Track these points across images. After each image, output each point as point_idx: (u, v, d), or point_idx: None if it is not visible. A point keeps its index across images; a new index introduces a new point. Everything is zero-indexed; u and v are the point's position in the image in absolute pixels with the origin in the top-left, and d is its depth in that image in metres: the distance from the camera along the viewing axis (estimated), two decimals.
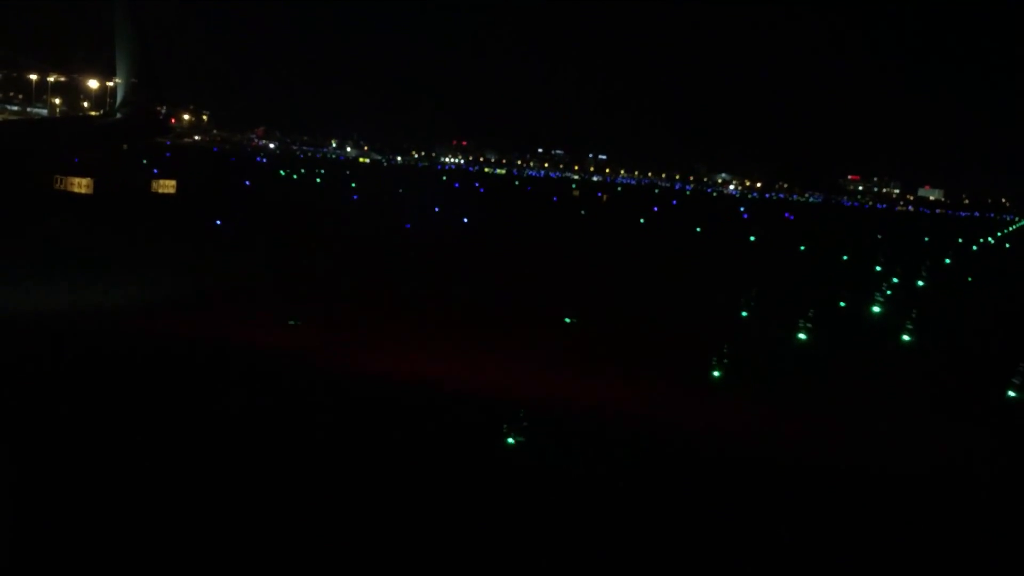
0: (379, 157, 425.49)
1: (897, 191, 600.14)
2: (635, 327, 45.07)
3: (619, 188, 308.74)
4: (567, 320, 44.55)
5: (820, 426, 29.84)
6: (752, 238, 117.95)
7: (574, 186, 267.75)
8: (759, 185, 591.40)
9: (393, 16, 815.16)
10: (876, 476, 25.15)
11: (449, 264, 63.00)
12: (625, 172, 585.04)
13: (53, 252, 50.94)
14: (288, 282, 48.44)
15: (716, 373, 35.89)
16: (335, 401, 27.24)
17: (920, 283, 77.88)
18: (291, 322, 37.66)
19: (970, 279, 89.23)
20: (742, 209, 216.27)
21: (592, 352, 38.03)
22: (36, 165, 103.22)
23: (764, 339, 44.83)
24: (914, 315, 51.65)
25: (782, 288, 63.94)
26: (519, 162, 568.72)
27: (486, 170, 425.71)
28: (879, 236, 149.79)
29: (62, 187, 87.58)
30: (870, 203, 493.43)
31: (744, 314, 51.51)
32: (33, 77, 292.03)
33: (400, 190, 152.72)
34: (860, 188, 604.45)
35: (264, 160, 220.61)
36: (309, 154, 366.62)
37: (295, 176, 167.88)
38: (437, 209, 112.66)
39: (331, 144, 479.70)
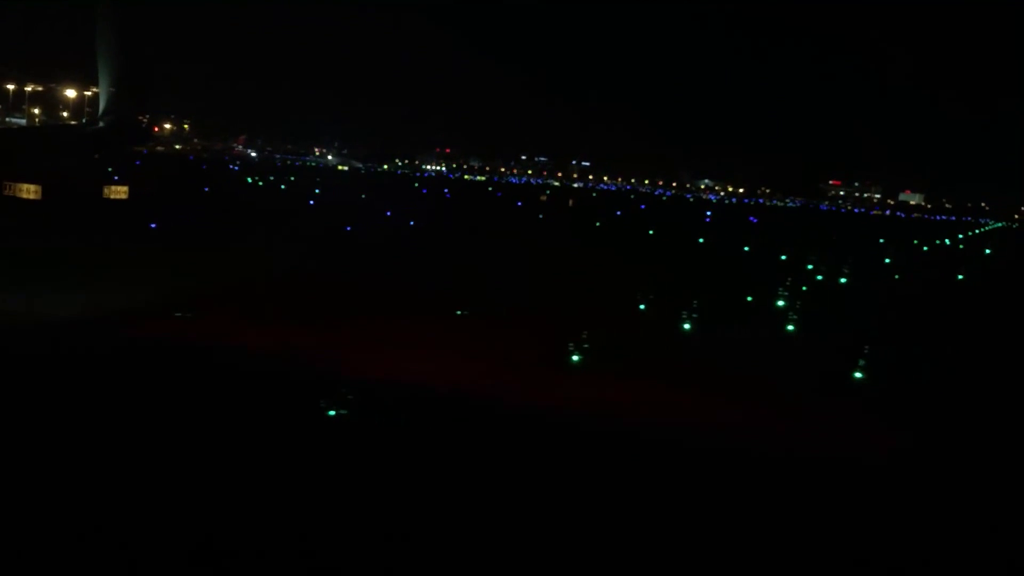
0: (359, 165, 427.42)
1: (878, 196, 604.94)
2: (525, 318, 47.03)
3: (594, 194, 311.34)
4: (458, 312, 46.81)
5: (645, 400, 32.04)
6: (700, 240, 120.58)
7: (548, 192, 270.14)
8: (741, 191, 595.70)
9: (378, 25, 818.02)
10: (670, 445, 27.19)
11: (370, 260, 65.33)
12: (608, 179, 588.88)
13: None
14: (190, 277, 50.62)
15: (575, 357, 38.25)
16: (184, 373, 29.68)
17: (842, 280, 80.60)
18: (177, 314, 39.85)
19: (896, 276, 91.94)
20: (709, 213, 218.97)
21: (459, 338, 40.22)
22: (17, 173, 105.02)
23: (640, 327, 47.38)
24: (800, 306, 54.35)
25: (702, 284, 66.44)
26: (502, 169, 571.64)
27: (466, 177, 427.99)
28: (832, 238, 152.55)
29: (10, 192, 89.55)
30: (847, 207, 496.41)
31: (642, 307, 53.81)
32: (10, 87, 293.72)
33: (362, 195, 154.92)
34: (842, 193, 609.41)
35: (236, 168, 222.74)
36: (288, 162, 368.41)
37: (260, 183, 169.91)
38: (388, 213, 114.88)
39: (314, 152, 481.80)
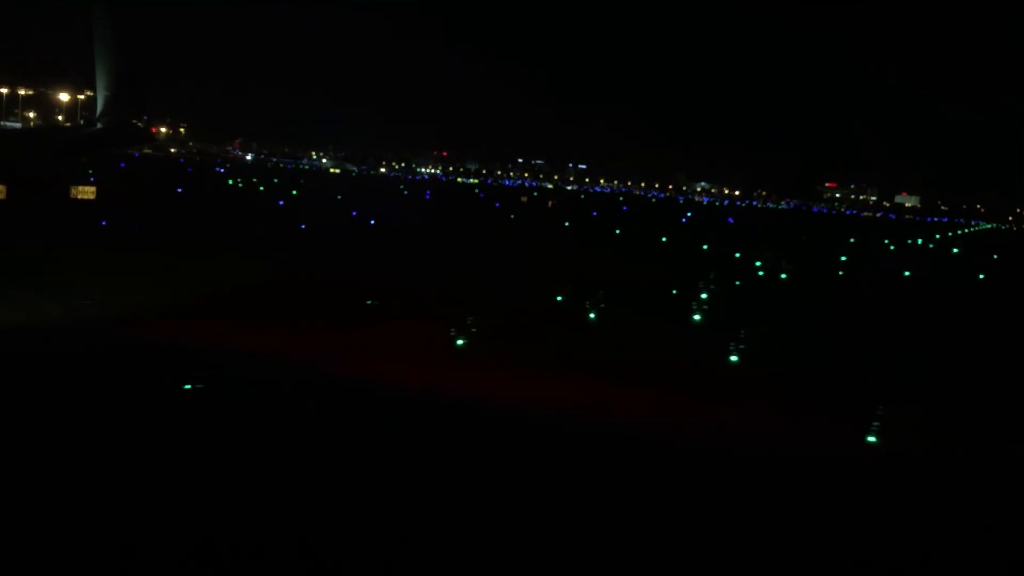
0: (353, 168, 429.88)
1: (874, 198, 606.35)
2: (437, 310, 48.42)
3: (582, 196, 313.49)
4: (368, 302, 48.98)
5: (513, 380, 34.08)
6: (663, 239, 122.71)
7: (536, 194, 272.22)
8: (737, 193, 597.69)
9: (376, 30, 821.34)
10: (529, 425, 29.00)
11: (306, 255, 67.58)
12: (605, 181, 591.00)
13: None
14: (126, 272, 52.77)
15: (460, 341, 40.39)
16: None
17: (783, 275, 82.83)
18: (87, 301, 42.05)
19: (841, 273, 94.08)
20: (689, 214, 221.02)
21: (350, 325, 42.41)
22: (17, 175, 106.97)
23: (548, 317, 49.60)
24: (714, 298, 56.61)
25: (634, 278, 68.80)
26: (499, 172, 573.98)
27: (458, 179, 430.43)
28: (803, 238, 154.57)
29: None
30: (838, 209, 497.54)
31: (559, 298, 55.90)
32: (3, 91, 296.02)
33: (337, 196, 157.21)
34: (838, 195, 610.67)
35: (222, 171, 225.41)
36: (280, 165, 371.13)
37: (240, 184, 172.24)
38: (354, 212, 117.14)
39: (311, 155, 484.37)
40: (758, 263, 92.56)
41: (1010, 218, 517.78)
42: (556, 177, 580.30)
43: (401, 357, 36.29)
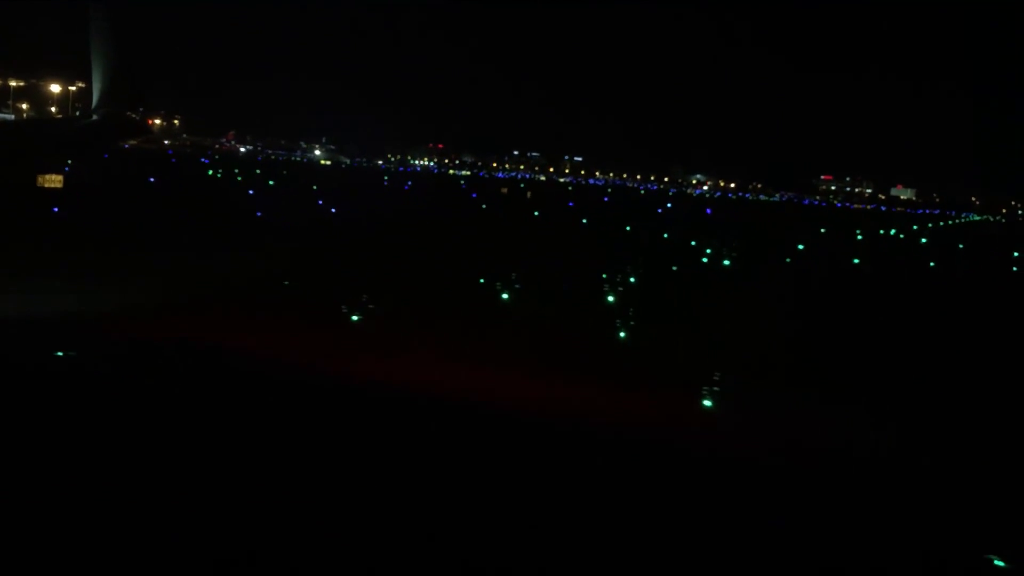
0: (347, 160, 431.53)
1: (869, 191, 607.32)
2: (352, 293, 50.31)
3: (570, 188, 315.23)
4: (285, 282, 51.21)
5: (390, 355, 36.19)
6: (628, 227, 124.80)
7: (522, 186, 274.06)
8: (732, 185, 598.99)
9: (374, 22, 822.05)
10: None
11: (246, 242, 69.70)
12: (600, 173, 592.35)
13: None
14: (61, 256, 54.87)
15: (355, 317, 42.66)
16: None
17: (726, 262, 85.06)
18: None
19: (788, 260, 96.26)
20: (668, 205, 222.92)
21: (264, 303, 44.75)
22: (14, 167, 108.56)
23: (458, 298, 51.90)
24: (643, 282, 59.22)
25: (569, 264, 71.15)
26: (494, 164, 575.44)
27: (450, 172, 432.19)
28: (768, 228, 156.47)
29: None
30: (826, 201, 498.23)
31: (481, 280, 58.07)
32: None
33: (314, 187, 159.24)
34: (833, 188, 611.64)
35: (207, 161, 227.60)
36: (272, 157, 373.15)
37: (219, 175, 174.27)
38: (320, 202, 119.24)
39: (305, 148, 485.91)
40: (707, 251, 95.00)
41: (1004, 211, 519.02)
42: (552, 169, 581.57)
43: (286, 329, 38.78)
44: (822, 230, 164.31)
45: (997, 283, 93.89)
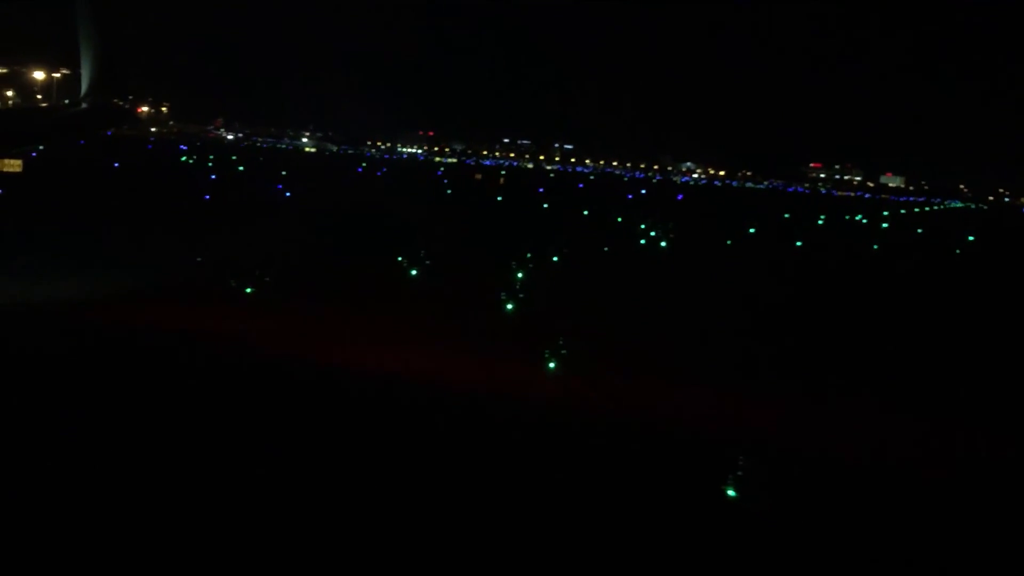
0: (333, 148, 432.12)
1: (859, 179, 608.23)
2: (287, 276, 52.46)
3: (551, 175, 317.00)
4: (198, 259, 53.55)
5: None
6: (585, 211, 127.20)
7: (503, 173, 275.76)
8: (722, 173, 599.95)
9: (364, 10, 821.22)
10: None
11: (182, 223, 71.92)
12: (590, 161, 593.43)
13: None
14: None
15: (248, 289, 45.07)
16: None
17: (662, 243, 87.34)
18: None
19: (729, 242, 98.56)
20: (643, 192, 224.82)
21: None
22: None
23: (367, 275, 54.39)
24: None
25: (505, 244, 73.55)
26: (484, 152, 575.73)
27: (436, 159, 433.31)
28: (726, 213, 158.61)
29: None
30: (811, 189, 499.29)
31: (400, 258, 60.49)
32: None
33: (282, 172, 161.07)
34: (822, 176, 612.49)
35: (185, 148, 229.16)
36: (257, 144, 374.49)
37: (191, 161, 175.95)
38: (279, 186, 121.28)
39: (292, 135, 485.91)
40: (652, 233, 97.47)
41: (990, 198, 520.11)
42: (542, 157, 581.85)
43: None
44: (786, 215, 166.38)
45: (923, 267, 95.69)
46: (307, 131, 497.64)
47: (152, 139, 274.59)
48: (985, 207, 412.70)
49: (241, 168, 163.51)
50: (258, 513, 19.45)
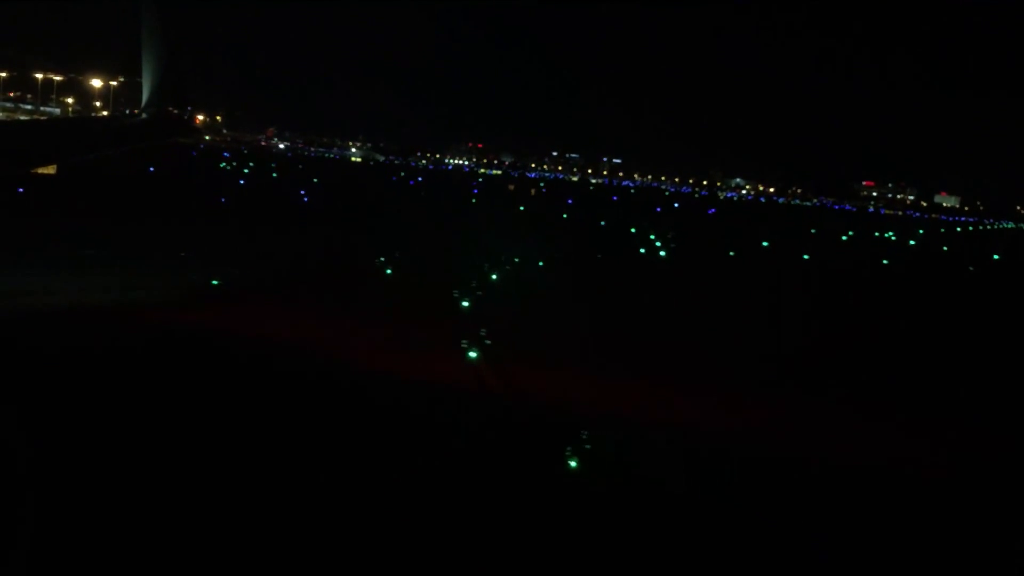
0: (381, 157, 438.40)
1: (912, 198, 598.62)
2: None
3: (590, 187, 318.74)
4: (181, 254, 56.74)
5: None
6: (603, 223, 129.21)
7: (541, 186, 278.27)
8: (772, 190, 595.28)
9: (418, 23, 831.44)
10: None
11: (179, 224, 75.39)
12: (638, 176, 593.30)
13: None
14: None
15: (215, 281, 48.07)
16: None
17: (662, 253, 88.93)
18: None
19: (732, 254, 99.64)
20: (676, 205, 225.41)
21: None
22: (66, 161, 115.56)
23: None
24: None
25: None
26: (532, 165, 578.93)
27: (482, 170, 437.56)
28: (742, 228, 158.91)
29: None
30: (856, 207, 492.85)
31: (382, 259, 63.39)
32: (39, 76, 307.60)
33: (314, 179, 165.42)
34: (874, 194, 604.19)
35: (228, 155, 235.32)
36: (305, 153, 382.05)
37: (227, 168, 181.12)
38: (302, 192, 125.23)
39: (342, 145, 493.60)
40: (657, 244, 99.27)
41: None
42: (590, 171, 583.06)
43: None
44: (812, 231, 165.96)
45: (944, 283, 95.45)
46: (357, 141, 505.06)
47: (201, 146, 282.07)
48: None
49: (275, 175, 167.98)
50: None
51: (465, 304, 48.58)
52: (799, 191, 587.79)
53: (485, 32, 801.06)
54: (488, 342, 38.52)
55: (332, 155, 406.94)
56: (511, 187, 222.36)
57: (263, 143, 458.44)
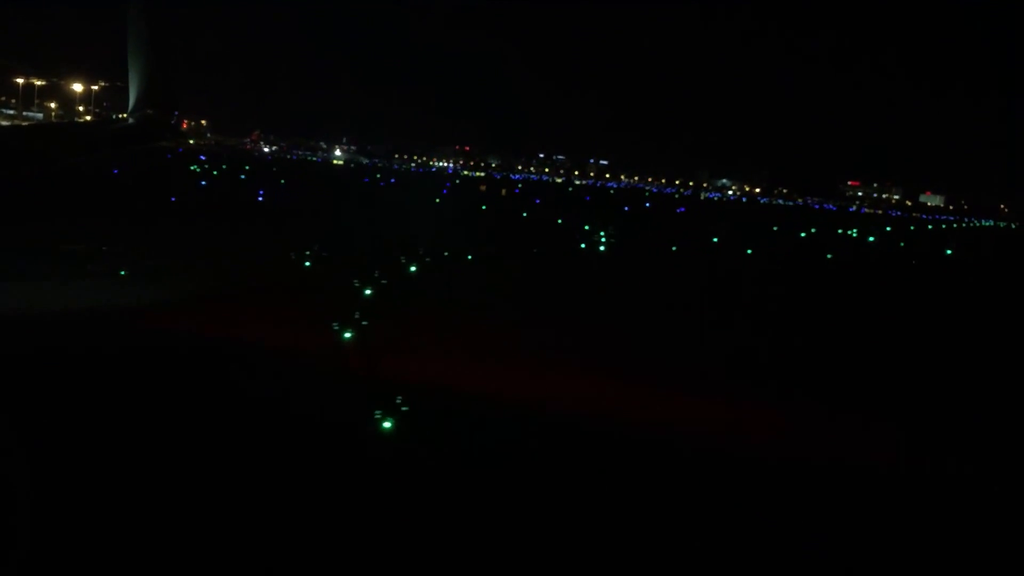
0: (365, 160, 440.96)
1: (897, 197, 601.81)
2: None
3: (570, 188, 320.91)
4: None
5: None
6: (560, 220, 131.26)
7: (519, 187, 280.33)
8: (758, 191, 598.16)
9: (404, 26, 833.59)
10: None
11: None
12: (625, 177, 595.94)
13: None
14: None
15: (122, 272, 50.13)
16: None
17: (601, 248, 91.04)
18: None
19: (674, 249, 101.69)
20: (647, 205, 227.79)
21: None
22: (52, 167, 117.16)
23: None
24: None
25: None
26: (519, 167, 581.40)
27: (464, 172, 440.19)
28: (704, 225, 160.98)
29: None
30: (837, 206, 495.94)
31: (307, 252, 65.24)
32: (20, 81, 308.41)
33: (281, 181, 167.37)
34: (860, 194, 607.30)
35: (204, 158, 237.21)
36: (287, 156, 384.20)
37: (198, 170, 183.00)
38: (260, 192, 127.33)
39: (325, 148, 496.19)
40: (603, 239, 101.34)
41: None
42: (577, 173, 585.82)
43: None
44: (774, 228, 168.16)
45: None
46: (342, 144, 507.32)
47: (180, 150, 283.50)
48: (1015, 226, 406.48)
49: (242, 176, 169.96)
50: None
51: (367, 292, 50.56)
52: (785, 191, 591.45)
53: (473, 35, 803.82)
54: (364, 323, 40.50)
55: (315, 158, 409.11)
56: (482, 187, 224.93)
57: (248, 146, 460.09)
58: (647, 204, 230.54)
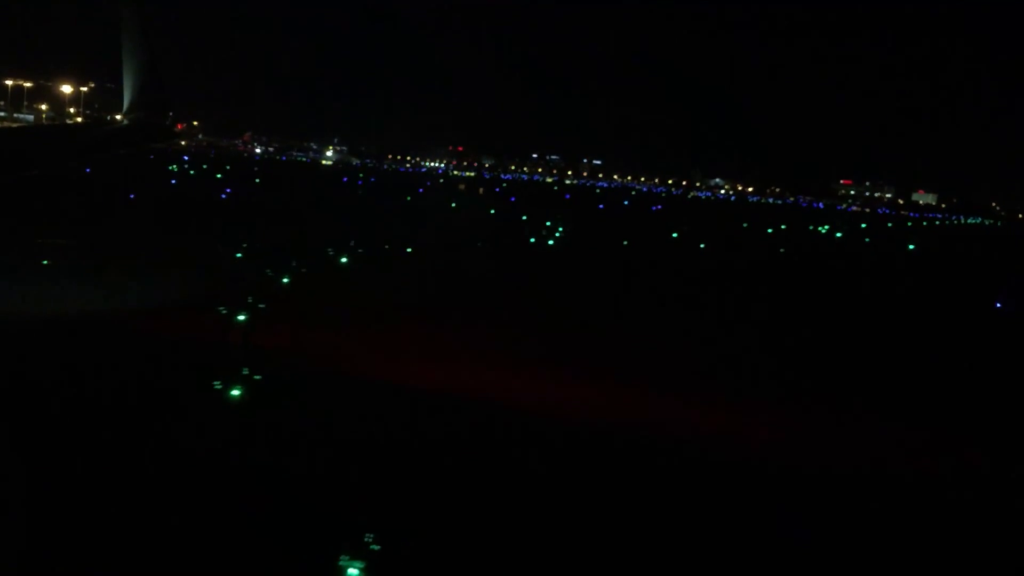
0: (356, 161, 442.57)
1: (889, 195, 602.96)
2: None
3: (556, 188, 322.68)
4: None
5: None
6: (524, 216, 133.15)
7: (504, 186, 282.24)
8: (751, 190, 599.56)
9: (397, 26, 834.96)
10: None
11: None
12: (618, 176, 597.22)
13: None
14: None
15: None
16: None
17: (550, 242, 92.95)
18: None
19: (626, 243, 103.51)
20: (625, 203, 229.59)
21: None
22: (47, 169, 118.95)
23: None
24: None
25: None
26: (512, 167, 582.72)
27: (454, 172, 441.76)
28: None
29: None
30: (823, 204, 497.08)
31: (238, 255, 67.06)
32: (9, 83, 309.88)
33: (256, 180, 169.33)
34: (852, 192, 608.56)
35: (187, 159, 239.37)
36: (277, 157, 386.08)
37: (176, 169, 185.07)
38: (228, 190, 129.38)
39: (317, 148, 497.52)
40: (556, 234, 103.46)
41: (1020, 216, 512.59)
42: (570, 172, 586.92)
43: None
44: (744, 225, 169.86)
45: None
46: (334, 145, 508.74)
47: (168, 151, 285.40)
48: (999, 223, 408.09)
49: (219, 176, 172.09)
50: None
51: (285, 281, 52.75)
52: (777, 190, 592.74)
53: (466, 35, 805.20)
54: (261, 306, 42.54)
55: (304, 159, 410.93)
56: (461, 186, 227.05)
57: (240, 147, 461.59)
58: (625, 202, 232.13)
